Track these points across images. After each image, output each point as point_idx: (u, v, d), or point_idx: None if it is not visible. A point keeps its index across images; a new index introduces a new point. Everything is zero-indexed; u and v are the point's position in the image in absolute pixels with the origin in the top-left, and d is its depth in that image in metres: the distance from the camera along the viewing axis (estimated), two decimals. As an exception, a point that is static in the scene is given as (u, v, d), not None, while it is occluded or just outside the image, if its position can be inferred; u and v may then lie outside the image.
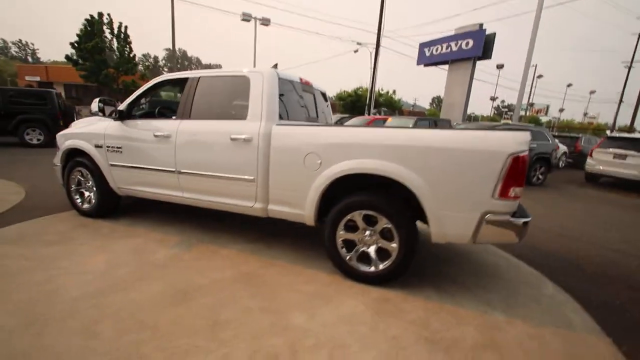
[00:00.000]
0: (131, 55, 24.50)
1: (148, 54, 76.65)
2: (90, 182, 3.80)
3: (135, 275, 2.54)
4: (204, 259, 2.90)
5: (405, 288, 2.57)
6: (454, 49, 18.96)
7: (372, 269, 2.58)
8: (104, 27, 23.09)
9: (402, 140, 2.35)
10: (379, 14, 21.25)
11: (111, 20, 23.34)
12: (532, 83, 36.77)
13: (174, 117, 4.30)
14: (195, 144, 3.08)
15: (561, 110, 46.35)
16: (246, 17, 18.13)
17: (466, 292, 2.61)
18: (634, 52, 29.22)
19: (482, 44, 17.39)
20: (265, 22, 18.95)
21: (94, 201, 3.81)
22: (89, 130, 3.70)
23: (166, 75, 3.46)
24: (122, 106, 3.48)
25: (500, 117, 52.36)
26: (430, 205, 2.31)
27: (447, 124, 11.15)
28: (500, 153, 2.13)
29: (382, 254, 2.58)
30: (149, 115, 3.82)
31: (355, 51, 24.55)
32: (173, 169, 3.20)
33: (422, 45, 21.22)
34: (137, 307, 2.13)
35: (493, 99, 43.11)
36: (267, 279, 2.62)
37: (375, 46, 22.03)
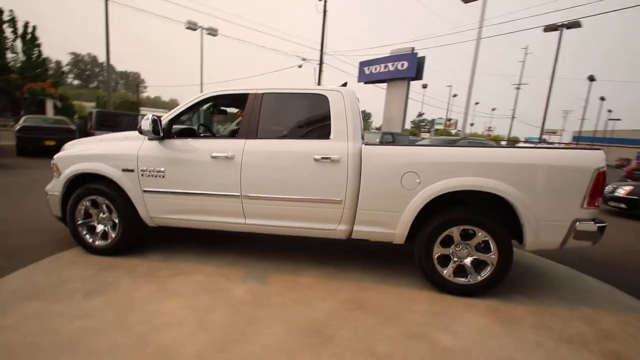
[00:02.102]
0: (40, 59, 20.91)
1: (49, 57, 66.07)
2: (107, 214, 3.19)
3: (239, 319, 2.22)
4: (294, 291, 2.67)
5: (498, 296, 2.74)
6: (391, 69, 20.71)
7: (470, 281, 2.70)
8: (4, 26, 19.31)
9: (503, 158, 2.56)
10: (321, 34, 22.17)
11: (14, 17, 19.66)
12: (449, 101, 42.11)
13: (205, 135, 3.90)
14: (268, 165, 2.85)
15: (472, 124, 54.08)
16: (191, 26, 17.05)
17: (541, 293, 2.90)
18: (520, 76, 35.75)
19: (415, 66, 19.41)
20: (213, 32, 18.04)
21: (113, 235, 3.18)
22: (111, 151, 3.12)
23: (218, 90, 3.11)
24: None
25: (419, 130, 58.29)
26: (528, 217, 2.54)
27: (406, 139, 12.07)
28: (589, 168, 2.47)
29: (475, 266, 2.72)
30: (184, 134, 3.38)
31: (300, 66, 25.02)
32: (237, 194, 2.89)
33: (362, 64, 22.71)
34: (281, 354, 1.88)
35: (420, 114, 47.97)
36: (376, 303, 2.54)
37: (319, 62, 22.89)
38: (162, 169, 2.99)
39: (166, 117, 3.07)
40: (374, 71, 22.23)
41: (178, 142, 3.04)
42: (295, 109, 3.02)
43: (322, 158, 2.73)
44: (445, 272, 2.73)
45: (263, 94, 2.98)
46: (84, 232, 3.24)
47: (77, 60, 76.37)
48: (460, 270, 2.74)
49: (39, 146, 9.67)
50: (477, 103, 51.40)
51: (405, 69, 20.04)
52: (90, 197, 3.16)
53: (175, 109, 3.12)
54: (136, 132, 3.30)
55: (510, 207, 2.60)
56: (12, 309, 2.21)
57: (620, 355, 2.05)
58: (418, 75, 20.11)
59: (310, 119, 2.96)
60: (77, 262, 3.04)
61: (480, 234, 2.64)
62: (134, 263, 3.07)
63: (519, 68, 35.41)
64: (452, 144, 9.85)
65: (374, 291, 2.74)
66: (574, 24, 15.00)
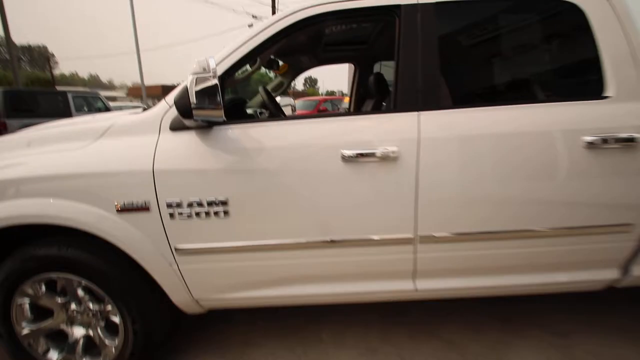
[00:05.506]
0: None
1: None
2: (89, 302, 1.42)
3: None
4: None
5: None
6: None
7: None
8: None
9: None
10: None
11: None
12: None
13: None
14: (484, 166, 1.29)
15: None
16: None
17: None
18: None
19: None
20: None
21: (113, 345, 1.44)
22: (81, 168, 1.28)
23: (324, 2, 1.35)
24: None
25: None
26: None
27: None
28: None
29: None
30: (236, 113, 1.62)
31: (250, 25, 21.92)
32: (406, 235, 1.32)
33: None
34: None
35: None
36: None
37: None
38: (224, 199, 1.27)
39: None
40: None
41: (244, 131, 1.31)
42: (507, 37, 1.43)
43: (601, 140, 1.25)
44: None
45: (435, 4, 1.32)
46: (42, 348, 1.46)
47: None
48: None
49: None
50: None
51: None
52: (42, 276, 1.36)
53: (229, 48, 1.33)
54: (118, 115, 1.53)
55: None
56: None
57: None
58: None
59: (546, 57, 1.41)
60: None
61: None
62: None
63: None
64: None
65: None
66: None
